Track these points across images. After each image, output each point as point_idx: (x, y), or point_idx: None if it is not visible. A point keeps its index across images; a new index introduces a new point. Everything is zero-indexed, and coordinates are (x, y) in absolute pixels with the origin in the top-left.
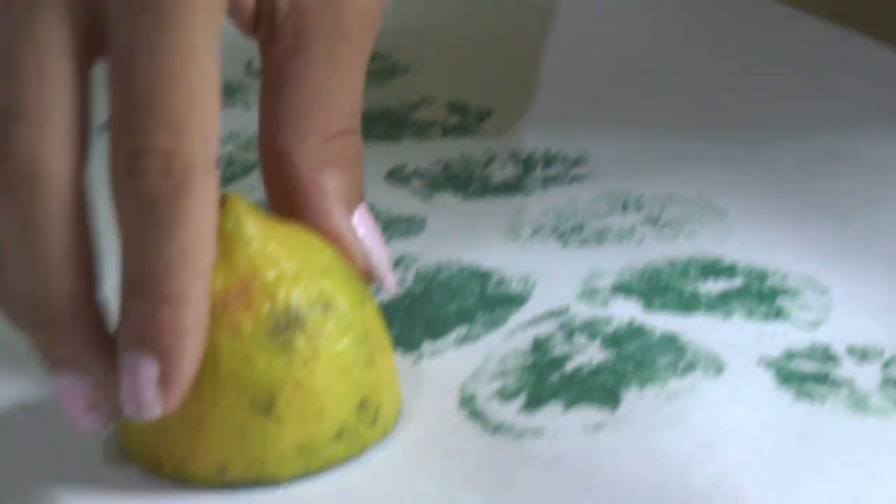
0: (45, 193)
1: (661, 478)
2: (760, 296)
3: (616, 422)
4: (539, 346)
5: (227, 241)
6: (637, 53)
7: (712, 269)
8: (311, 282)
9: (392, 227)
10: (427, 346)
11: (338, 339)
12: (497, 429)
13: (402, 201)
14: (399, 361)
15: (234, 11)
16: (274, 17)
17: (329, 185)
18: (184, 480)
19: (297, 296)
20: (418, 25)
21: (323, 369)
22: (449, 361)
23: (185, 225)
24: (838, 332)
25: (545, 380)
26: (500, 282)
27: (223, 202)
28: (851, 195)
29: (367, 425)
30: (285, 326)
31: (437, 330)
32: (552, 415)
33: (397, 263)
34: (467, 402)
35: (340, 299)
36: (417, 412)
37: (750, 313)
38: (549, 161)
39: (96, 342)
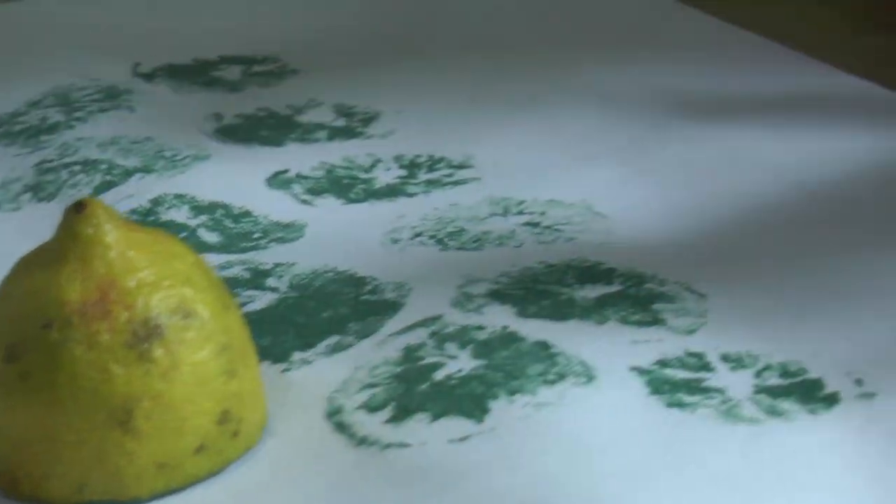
0: None
1: (527, 491)
2: (637, 301)
3: (483, 433)
4: (410, 354)
5: (85, 247)
6: (525, 58)
7: (590, 273)
8: (171, 289)
9: (270, 233)
10: (297, 356)
11: (198, 349)
12: (362, 441)
13: (283, 207)
14: (267, 372)
15: None
16: None
17: None
18: (41, 500)
19: (157, 304)
20: (308, 28)
21: (182, 380)
22: (319, 371)
23: None
24: (713, 339)
25: (413, 390)
26: (375, 289)
27: (82, 207)
28: (737, 200)
29: (228, 439)
30: (144, 336)
31: (308, 339)
32: (418, 426)
33: (271, 272)
34: (334, 414)
35: (202, 307)
36: (283, 425)
37: (624, 320)
38: (433, 165)
39: None
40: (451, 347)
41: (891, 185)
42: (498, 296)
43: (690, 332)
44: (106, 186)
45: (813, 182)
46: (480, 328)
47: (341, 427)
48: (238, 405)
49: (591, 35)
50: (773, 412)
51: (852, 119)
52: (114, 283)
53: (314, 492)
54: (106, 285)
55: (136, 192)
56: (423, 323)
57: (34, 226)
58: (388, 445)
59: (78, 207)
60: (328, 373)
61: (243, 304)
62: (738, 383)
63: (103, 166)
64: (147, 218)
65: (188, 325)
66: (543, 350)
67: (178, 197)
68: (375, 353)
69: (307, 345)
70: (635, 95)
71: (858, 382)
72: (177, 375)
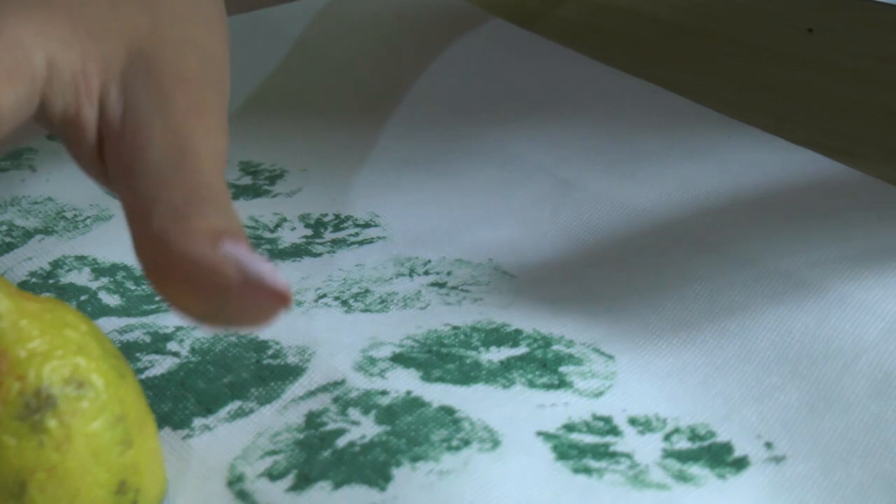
0: None
1: None
2: (544, 364)
3: (385, 502)
4: (312, 420)
5: None
6: (431, 116)
7: (496, 335)
8: (64, 359)
9: None
10: (198, 422)
11: (92, 420)
12: None
13: None
14: (168, 439)
15: (79, 154)
16: (110, 139)
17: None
18: None
19: (49, 374)
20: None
21: (77, 452)
22: (220, 438)
23: None
24: (620, 402)
25: (316, 457)
26: (277, 353)
27: None
28: (640, 257)
29: None
30: (36, 408)
31: (209, 405)
32: (320, 495)
33: (172, 336)
34: (235, 482)
35: (96, 377)
36: (183, 493)
37: (531, 383)
38: (339, 224)
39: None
40: (354, 413)
41: (799, 242)
42: (402, 359)
43: (598, 394)
44: (6, 248)
45: (719, 242)
46: (384, 393)
47: (242, 495)
48: (135, 476)
49: (494, 93)
50: (682, 477)
51: (755, 173)
52: (4, 354)
53: None
54: None
55: (35, 255)
56: (325, 388)
57: None
58: None
59: None
60: (229, 439)
61: (144, 370)
62: (646, 447)
63: (3, 227)
64: (47, 280)
65: (82, 395)
66: (448, 415)
67: (79, 259)
68: (277, 418)
69: (208, 411)
70: (539, 154)
71: (768, 446)
72: (71, 447)
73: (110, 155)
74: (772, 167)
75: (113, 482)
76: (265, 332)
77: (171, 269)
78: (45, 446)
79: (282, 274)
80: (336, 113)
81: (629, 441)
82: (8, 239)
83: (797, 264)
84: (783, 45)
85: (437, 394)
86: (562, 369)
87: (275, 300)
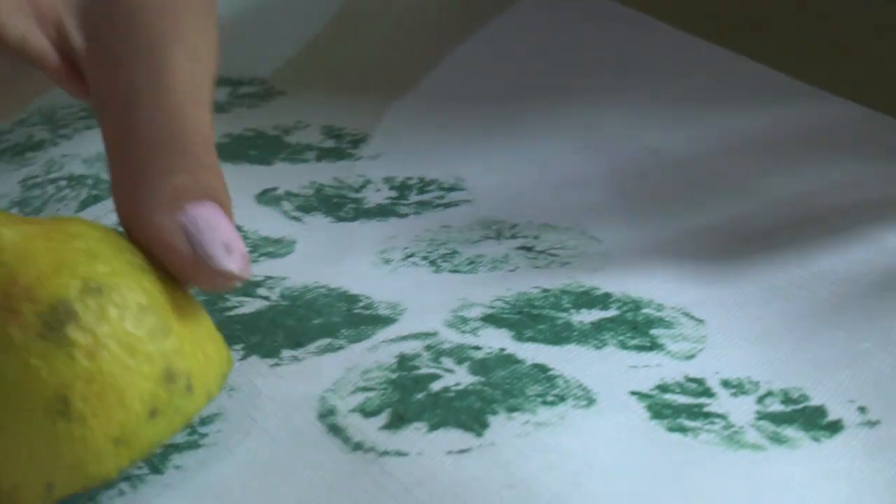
0: None
1: None
2: (634, 326)
3: (482, 447)
4: (404, 362)
5: None
6: (516, 80)
7: (586, 298)
8: (74, 270)
9: (259, 248)
10: (286, 353)
11: (118, 319)
12: (357, 447)
13: (272, 222)
14: (256, 365)
15: (51, 77)
16: (83, 67)
17: (151, 187)
18: None
19: (62, 289)
20: (295, 49)
21: (111, 353)
22: (309, 369)
23: None
24: (712, 364)
25: (409, 398)
26: (368, 305)
27: None
28: (728, 223)
29: (182, 396)
30: (56, 324)
31: (298, 340)
32: (416, 435)
33: (262, 283)
34: (327, 415)
35: (112, 278)
36: (272, 423)
37: (623, 344)
38: (423, 187)
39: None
40: (447, 361)
41: (892, 211)
42: (493, 320)
43: (689, 357)
44: (92, 200)
45: (809, 209)
46: (477, 348)
47: (335, 430)
48: (181, 360)
49: (574, 59)
50: (777, 439)
51: (843, 142)
52: (15, 282)
53: (307, 498)
54: (7, 285)
55: None
56: (417, 336)
57: None
58: (385, 453)
59: None
60: (319, 372)
61: (232, 308)
62: (740, 409)
63: (89, 181)
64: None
65: (102, 299)
66: (542, 372)
67: None
68: (368, 356)
69: (297, 344)
70: (621, 120)
71: (862, 410)
72: (103, 351)
73: (88, 79)
74: (859, 136)
75: (157, 372)
76: (355, 287)
77: (135, 233)
78: (76, 358)
79: (238, 248)
80: (415, 77)
81: (723, 403)
82: (95, 192)
83: (890, 233)
84: (862, 11)
85: (530, 352)
86: (653, 332)
87: (228, 279)
